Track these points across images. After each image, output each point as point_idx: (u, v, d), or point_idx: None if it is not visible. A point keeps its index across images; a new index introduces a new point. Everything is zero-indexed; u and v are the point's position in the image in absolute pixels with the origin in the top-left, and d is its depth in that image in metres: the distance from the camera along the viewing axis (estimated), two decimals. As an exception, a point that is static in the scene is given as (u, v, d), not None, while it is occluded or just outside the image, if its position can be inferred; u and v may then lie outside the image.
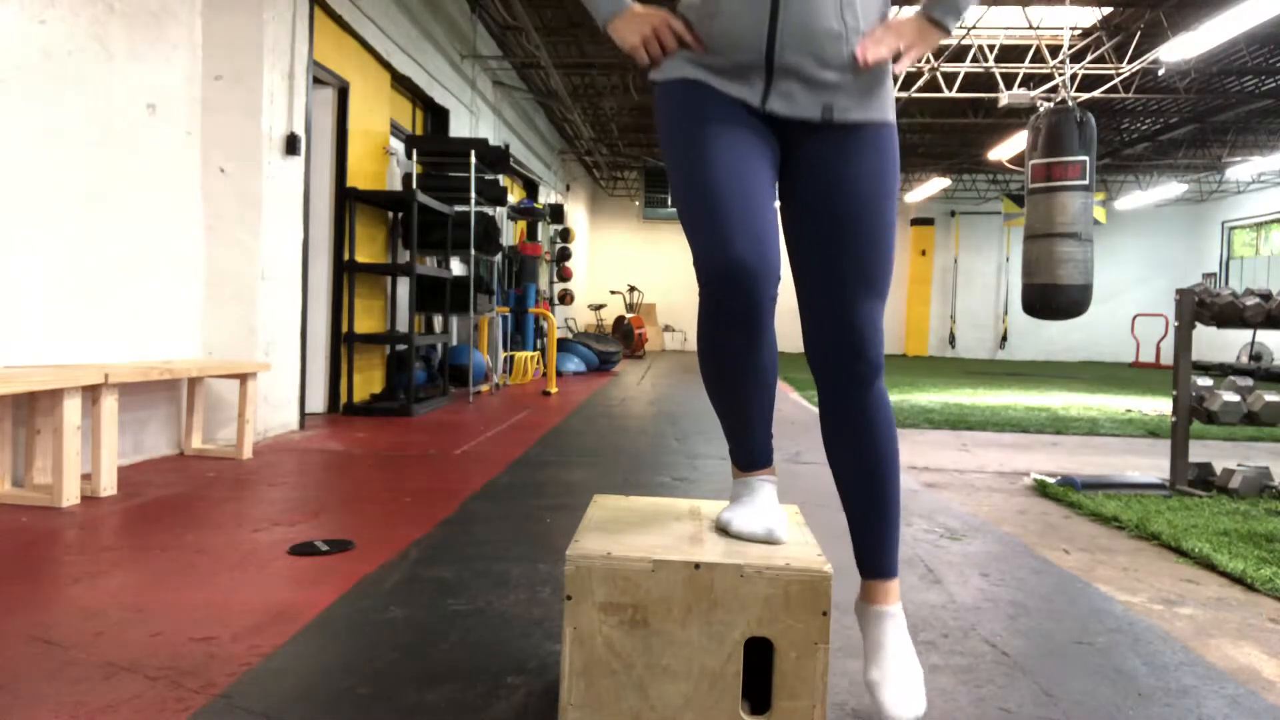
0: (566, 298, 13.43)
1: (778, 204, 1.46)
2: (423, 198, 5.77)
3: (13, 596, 1.95)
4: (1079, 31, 9.30)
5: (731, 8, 1.37)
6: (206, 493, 3.13)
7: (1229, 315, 3.52)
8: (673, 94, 1.44)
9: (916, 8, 1.45)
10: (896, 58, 1.42)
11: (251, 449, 3.91)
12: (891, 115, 1.47)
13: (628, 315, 14.53)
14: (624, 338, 14.35)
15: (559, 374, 9.99)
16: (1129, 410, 7.29)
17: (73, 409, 2.90)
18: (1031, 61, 9.96)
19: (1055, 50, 9.61)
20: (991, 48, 9.83)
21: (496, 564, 2.31)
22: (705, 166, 1.37)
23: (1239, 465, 3.57)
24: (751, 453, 1.53)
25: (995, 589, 2.23)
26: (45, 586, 2.02)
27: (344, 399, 5.65)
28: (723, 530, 1.45)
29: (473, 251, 6.74)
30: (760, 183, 1.39)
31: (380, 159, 6.29)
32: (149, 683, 1.51)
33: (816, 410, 6.68)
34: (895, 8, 8.17)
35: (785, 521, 1.42)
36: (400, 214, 6.47)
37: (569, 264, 13.89)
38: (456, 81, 8.01)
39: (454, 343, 7.61)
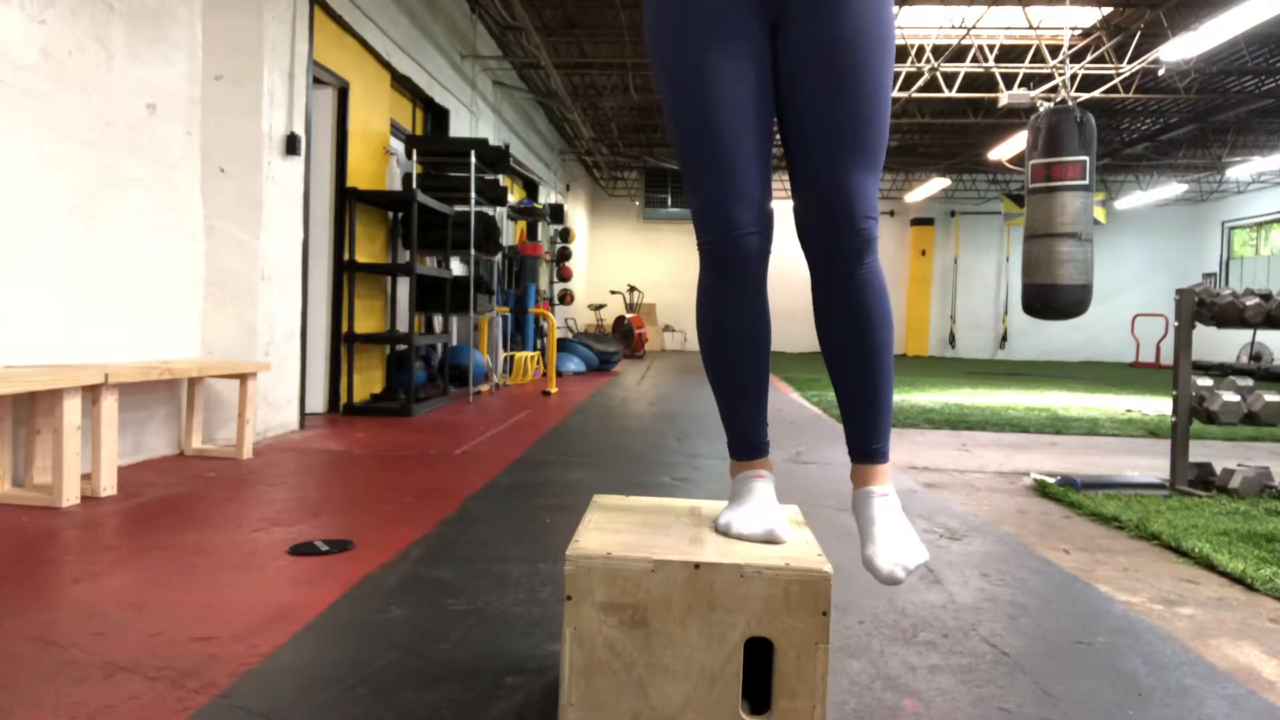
0: (566, 298, 13.42)
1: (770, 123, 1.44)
2: (423, 198, 5.77)
3: (13, 596, 1.95)
4: (1079, 31, 9.30)
5: None
6: (206, 493, 3.13)
7: (1229, 315, 3.52)
8: (663, 3, 1.42)
9: None
10: None
11: (251, 449, 3.91)
12: None
13: (628, 315, 14.53)
14: (624, 338, 14.35)
15: (559, 374, 9.99)
16: (1129, 410, 7.29)
17: (73, 409, 2.90)
18: (1031, 61, 9.96)
19: (1055, 50, 9.61)
20: (991, 48, 9.83)
21: (496, 564, 2.31)
22: (701, 106, 1.37)
23: (1239, 465, 3.57)
24: (747, 436, 1.53)
25: (995, 589, 2.23)
26: (45, 586, 2.02)
27: (344, 399, 5.65)
28: (723, 532, 1.45)
29: (473, 251, 6.74)
30: (757, 114, 1.40)
31: (380, 159, 6.29)
32: (149, 683, 1.51)
33: (816, 410, 6.68)
34: None
35: (785, 521, 1.42)
36: (400, 214, 6.47)
37: (569, 264, 13.89)
38: (456, 81, 8.01)
39: (454, 343, 7.61)
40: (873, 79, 1.38)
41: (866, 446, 1.48)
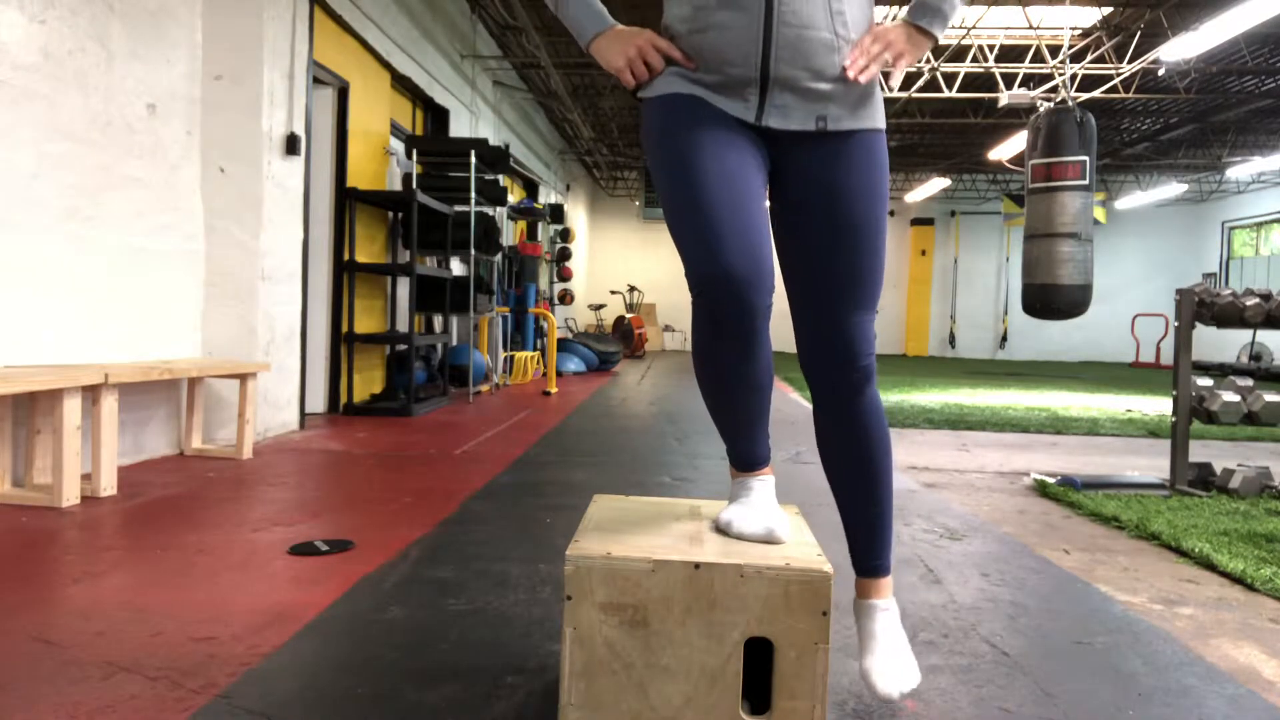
0: (566, 298, 13.42)
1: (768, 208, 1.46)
2: (423, 198, 5.77)
3: (13, 596, 1.95)
4: (1079, 31, 9.30)
5: (723, 22, 1.36)
6: (206, 493, 3.13)
7: (1229, 315, 3.52)
8: (661, 108, 1.42)
9: (903, 13, 1.45)
10: (887, 73, 1.43)
11: (251, 449, 3.91)
12: (882, 123, 1.47)
13: (628, 315, 14.53)
14: (624, 338, 14.35)
15: (559, 374, 9.99)
16: (1129, 410, 7.29)
17: (73, 409, 2.90)
18: (1031, 61, 9.96)
19: (1055, 50, 9.61)
20: (991, 48, 9.83)
21: (496, 564, 2.31)
22: (694, 175, 1.35)
23: (1239, 465, 3.57)
24: (749, 453, 1.53)
25: (995, 589, 2.23)
26: (45, 586, 2.02)
27: (344, 399, 5.65)
28: (723, 531, 1.45)
29: (473, 251, 6.74)
30: (751, 189, 1.37)
31: (380, 159, 6.29)
32: (149, 683, 1.51)
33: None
34: (891, 6, 8.11)
35: (785, 521, 1.42)
36: (400, 214, 6.47)
37: (569, 264, 13.88)
38: (456, 81, 8.01)
39: (454, 343, 7.61)
40: (871, 229, 1.42)
41: (870, 563, 1.53)
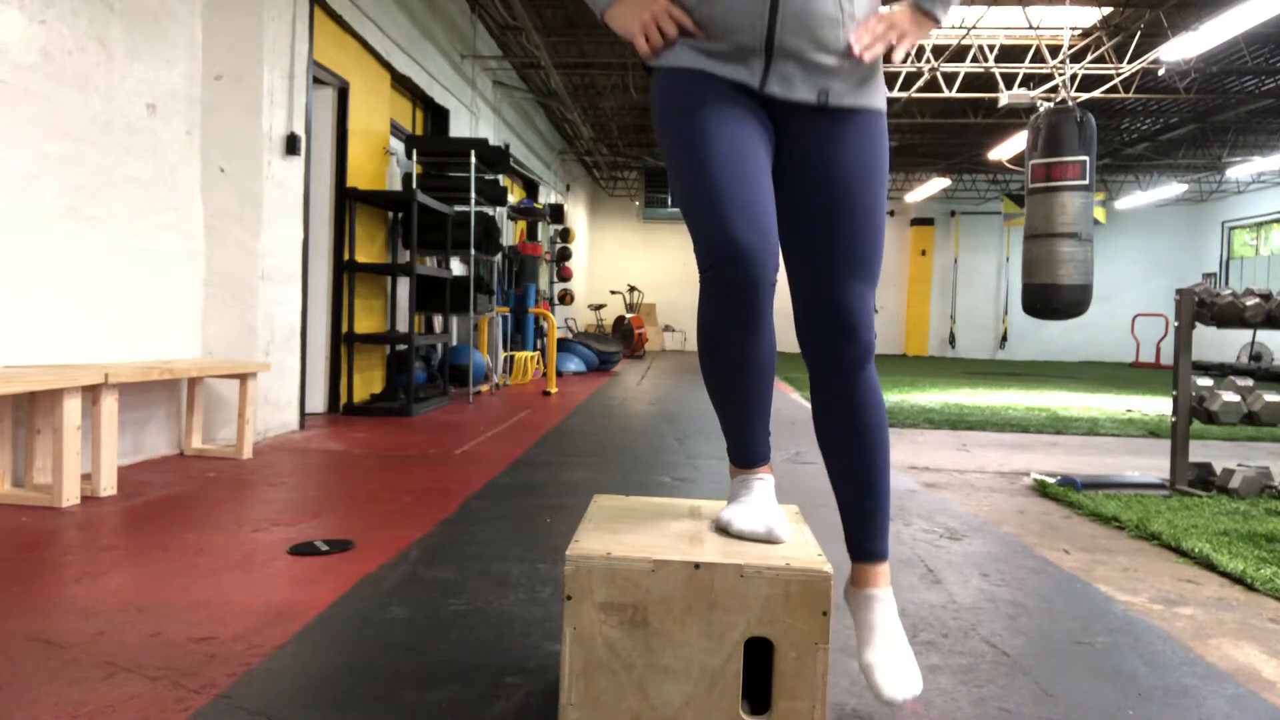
0: (566, 298, 13.42)
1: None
2: (423, 198, 5.77)
3: (13, 596, 1.95)
4: (1079, 31, 9.30)
5: None
6: (206, 493, 3.13)
7: (1229, 315, 3.52)
8: (670, 81, 1.45)
9: None
10: (889, 52, 1.44)
11: (251, 449, 3.91)
12: (883, 103, 1.50)
13: (628, 315, 14.53)
14: (624, 338, 14.35)
15: (559, 374, 9.99)
16: (1129, 410, 7.29)
17: (73, 409, 2.90)
18: (1031, 61, 9.96)
19: (1055, 50, 9.61)
20: (991, 48, 9.83)
21: (496, 564, 2.31)
22: (703, 151, 1.38)
23: (1239, 465, 3.57)
24: (750, 448, 1.53)
25: (995, 589, 2.23)
26: (45, 586, 2.02)
27: (344, 399, 5.65)
28: (723, 530, 1.45)
29: (473, 251, 6.74)
30: (758, 164, 1.40)
31: (380, 159, 6.29)
32: (149, 683, 1.51)
33: (816, 410, 6.67)
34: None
35: (785, 521, 1.42)
36: (400, 214, 6.47)
37: (569, 264, 13.88)
38: (456, 81, 8.01)
39: (454, 343, 7.61)
40: (869, 204, 1.44)
41: (865, 545, 1.49)
